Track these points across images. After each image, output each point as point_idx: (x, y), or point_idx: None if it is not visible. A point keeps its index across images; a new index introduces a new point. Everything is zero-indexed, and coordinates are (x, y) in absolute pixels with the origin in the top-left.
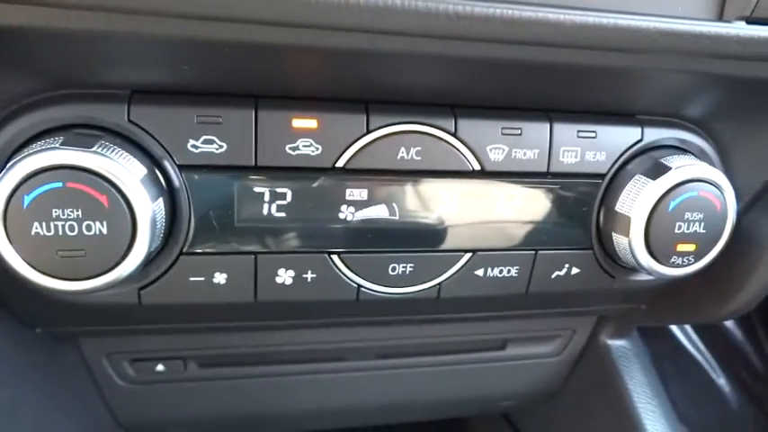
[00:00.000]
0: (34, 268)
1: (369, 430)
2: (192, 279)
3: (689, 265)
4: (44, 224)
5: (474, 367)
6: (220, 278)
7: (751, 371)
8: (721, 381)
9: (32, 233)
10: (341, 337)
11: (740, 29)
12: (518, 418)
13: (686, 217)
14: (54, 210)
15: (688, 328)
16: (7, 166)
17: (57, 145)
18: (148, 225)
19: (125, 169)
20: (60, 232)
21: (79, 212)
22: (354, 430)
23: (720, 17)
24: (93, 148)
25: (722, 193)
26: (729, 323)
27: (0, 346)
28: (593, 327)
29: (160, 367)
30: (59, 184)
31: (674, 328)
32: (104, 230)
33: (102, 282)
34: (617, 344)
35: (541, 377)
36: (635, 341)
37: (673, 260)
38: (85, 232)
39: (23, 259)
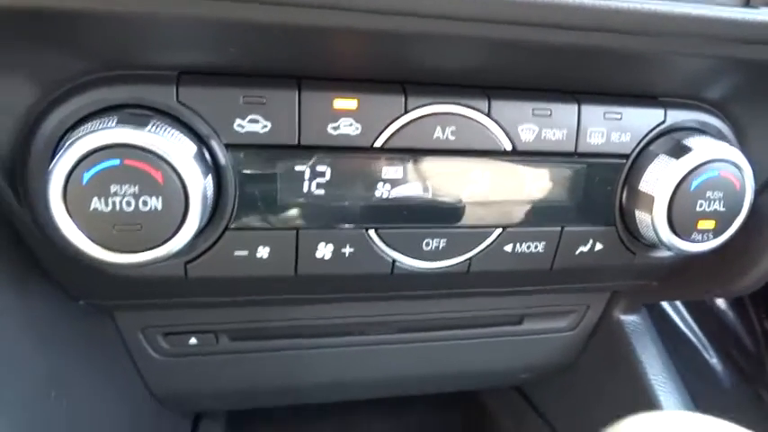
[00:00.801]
0: (93, 242)
1: (387, 402)
2: (236, 253)
3: (708, 240)
4: (103, 200)
5: (492, 341)
6: (263, 252)
7: (742, 350)
8: (714, 361)
9: (91, 209)
10: (366, 312)
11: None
12: (531, 391)
13: (707, 195)
14: (112, 186)
15: (683, 311)
16: (66, 145)
17: (113, 124)
18: (200, 200)
19: (178, 147)
20: (118, 208)
21: (136, 189)
22: (373, 401)
23: (747, 3)
24: (148, 128)
25: (741, 173)
26: (723, 306)
27: (47, 315)
28: (607, 302)
29: (193, 341)
30: (117, 162)
31: (670, 312)
32: (159, 206)
33: (156, 255)
34: (629, 319)
35: (556, 351)
36: (644, 316)
37: (693, 237)
38: (141, 208)
39: (82, 233)
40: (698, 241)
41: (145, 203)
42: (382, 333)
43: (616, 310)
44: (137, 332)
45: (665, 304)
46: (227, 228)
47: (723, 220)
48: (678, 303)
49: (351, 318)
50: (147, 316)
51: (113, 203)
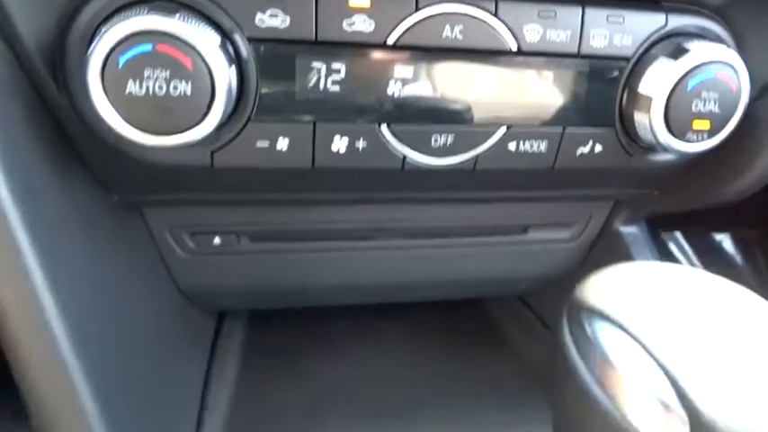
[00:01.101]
0: (129, 124)
1: (396, 307)
2: (258, 144)
3: (703, 141)
4: (137, 83)
5: (497, 250)
6: (283, 144)
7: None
8: None
9: (127, 92)
10: (378, 216)
11: None
12: (533, 300)
13: (703, 96)
14: (146, 70)
15: (690, 252)
16: (102, 32)
17: (144, 12)
18: (225, 88)
19: (204, 37)
20: (151, 92)
21: (167, 74)
22: (383, 307)
23: None
24: (176, 16)
25: (738, 76)
26: (731, 249)
27: (86, 204)
28: (609, 214)
29: (216, 240)
30: (150, 47)
31: (677, 252)
32: (188, 91)
33: (186, 139)
34: (629, 230)
35: (558, 261)
36: (644, 229)
37: (688, 136)
38: (172, 92)
39: (120, 116)
40: (693, 141)
41: (175, 88)
42: (393, 238)
43: (617, 222)
44: (165, 231)
45: (672, 246)
46: (249, 119)
47: (718, 121)
48: (685, 245)
49: (363, 222)
50: (175, 215)
51: (147, 87)
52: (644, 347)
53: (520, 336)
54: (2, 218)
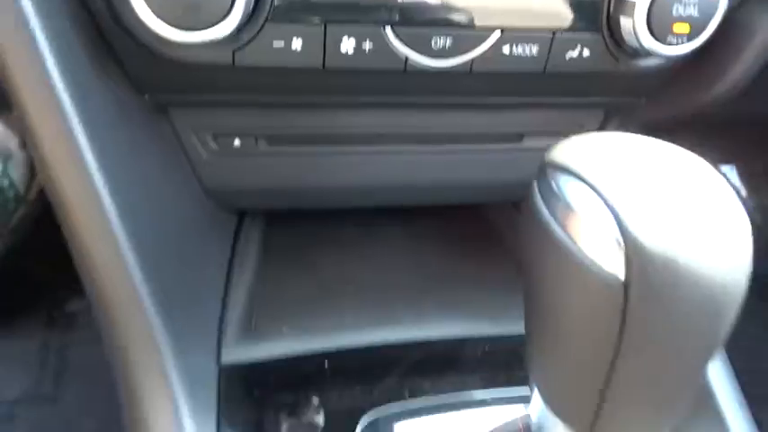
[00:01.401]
0: (162, 20)
1: (402, 212)
2: (274, 44)
3: (683, 44)
4: None
5: (495, 156)
6: (297, 44)
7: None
8: None
9: None
10: (381, 121)
11: None
12: None
13: (683, 0)
14: None
15: None
16: None
17: None
18: None
19: None
20: None
21: None
22: (390, 212)
23: None
24: None
25: None
26: (736, 180)
27: (124, 102)
28: (600, 123)
29: (237, 142)
30: None
31: None
32: None
33: (211, 35)
34: None
35: None
36: None
37: (669, 39)
38: None
39: (153, 13)
40: (673, 44)
41: None
42: (396, 143)
43: (608, 130)
44: (190, 133)
45: None
46: (266, 20)
47: (697, 25)
48: None
49: (368, 127)
50: (199, 117)
51: None
52: (597, 192)
53: (513, 238)
54: (57, 104)
